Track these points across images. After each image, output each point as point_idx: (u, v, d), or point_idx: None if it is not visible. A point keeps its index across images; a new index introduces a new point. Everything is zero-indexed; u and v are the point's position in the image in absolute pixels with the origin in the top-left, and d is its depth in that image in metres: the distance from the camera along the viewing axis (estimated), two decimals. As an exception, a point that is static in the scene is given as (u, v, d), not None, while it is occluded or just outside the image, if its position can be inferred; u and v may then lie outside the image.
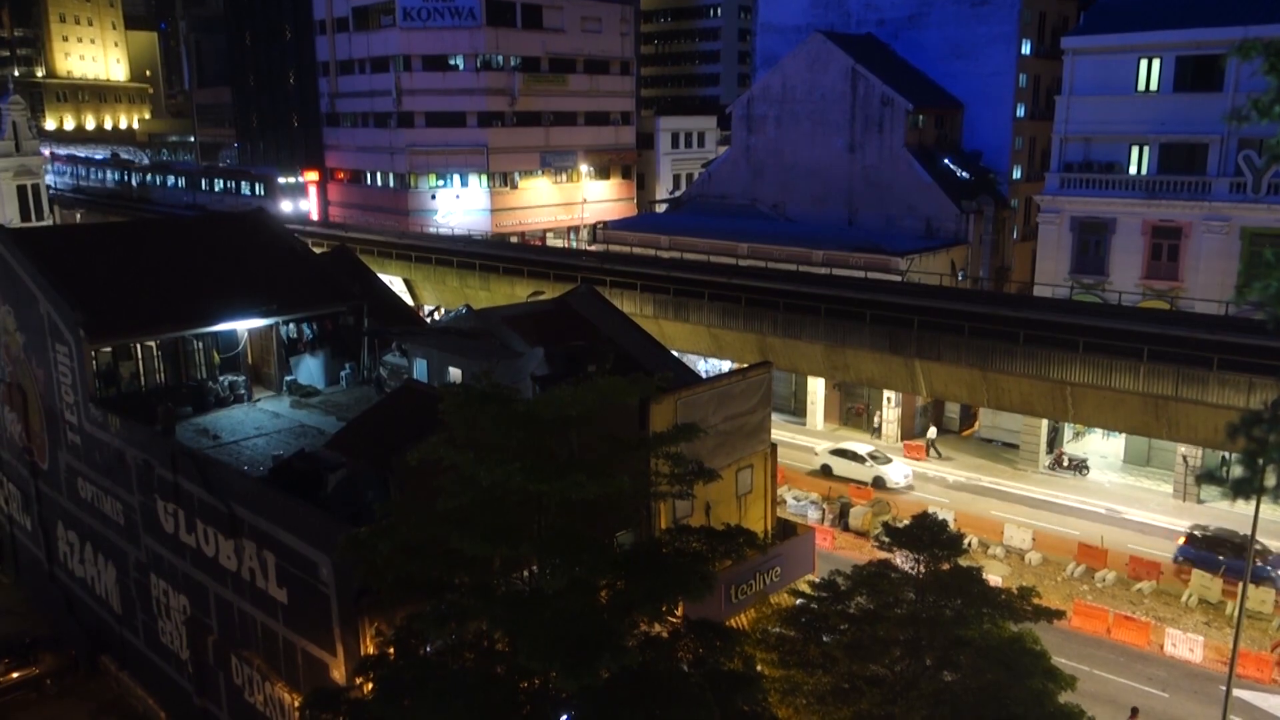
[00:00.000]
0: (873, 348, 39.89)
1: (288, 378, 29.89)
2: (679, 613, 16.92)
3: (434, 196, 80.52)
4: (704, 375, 33.82)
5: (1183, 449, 39.27)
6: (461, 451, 14.74)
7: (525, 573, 15.71)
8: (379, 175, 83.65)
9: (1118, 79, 46.18)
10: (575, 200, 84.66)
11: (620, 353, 25.50)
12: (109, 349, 27.56)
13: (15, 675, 29.02)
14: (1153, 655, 29.77)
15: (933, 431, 47.76)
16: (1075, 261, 47.55)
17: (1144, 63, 45.57)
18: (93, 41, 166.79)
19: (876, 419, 48.67)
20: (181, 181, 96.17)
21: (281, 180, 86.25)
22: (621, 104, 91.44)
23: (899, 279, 48.16)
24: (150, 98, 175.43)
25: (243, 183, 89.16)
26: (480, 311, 30.19)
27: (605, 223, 72.86)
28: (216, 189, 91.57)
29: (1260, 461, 8.46)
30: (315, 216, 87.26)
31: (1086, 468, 43.36)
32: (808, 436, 49.39)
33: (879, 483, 42.37)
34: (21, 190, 73.10)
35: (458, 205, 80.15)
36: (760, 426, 25.65)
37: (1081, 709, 17.71)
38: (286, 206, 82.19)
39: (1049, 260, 48.53)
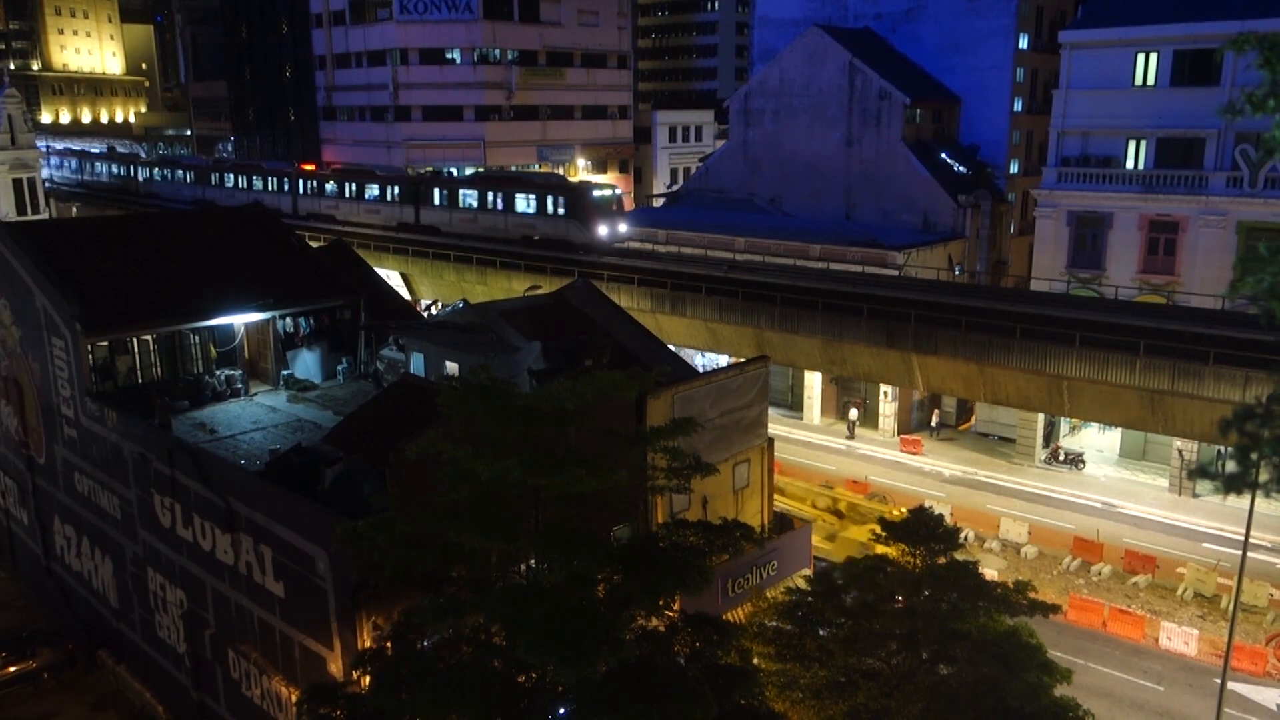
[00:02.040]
0: (870, 342, 39.91)
1: (284, 372, 29.89)
2: (676, 607, 16.96)
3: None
4: (701, 370, 33.84)
5: (1179, 443, 39.34)
6: (459, 446, 14.75)
7: (523, 566, 15.74)
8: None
9: (1115, 73, 46.16)
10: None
11: (617, 347, 25.53)
12: (105, 343, 27.55)
13: (13, 669, 29.03)
14: (1148, 649, 29.87)
15: (854, 413, 48.65)
16: (1072, 256, 47.57)
17: (1141, 57, 45.56)
18: (88, 34, 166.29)
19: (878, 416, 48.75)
20: (393, 192, 65.75)
21: (597, 194, 56.04)
22: (619, 98, 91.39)
23: (896, 273, 48.18)
24: (146, 91, 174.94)
25: (522, 196, 57.29)
26: (477, 306, 30.21)
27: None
28: (465, 204, 60.79)
29: (1254, 456, 8.47)
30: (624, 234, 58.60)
31: (1082, 462, 43.44)
32: (805, 431, 49.45)
33: None
34: (17, 183, 72.96)
35: (455, 199, 79.63)
36: (757, 421, 25.70)
37: (1077, 702, 17.79)
38: (601, 230, 54.89)
39: (1046, 254, 48.54)
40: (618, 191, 58.73)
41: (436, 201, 62.62)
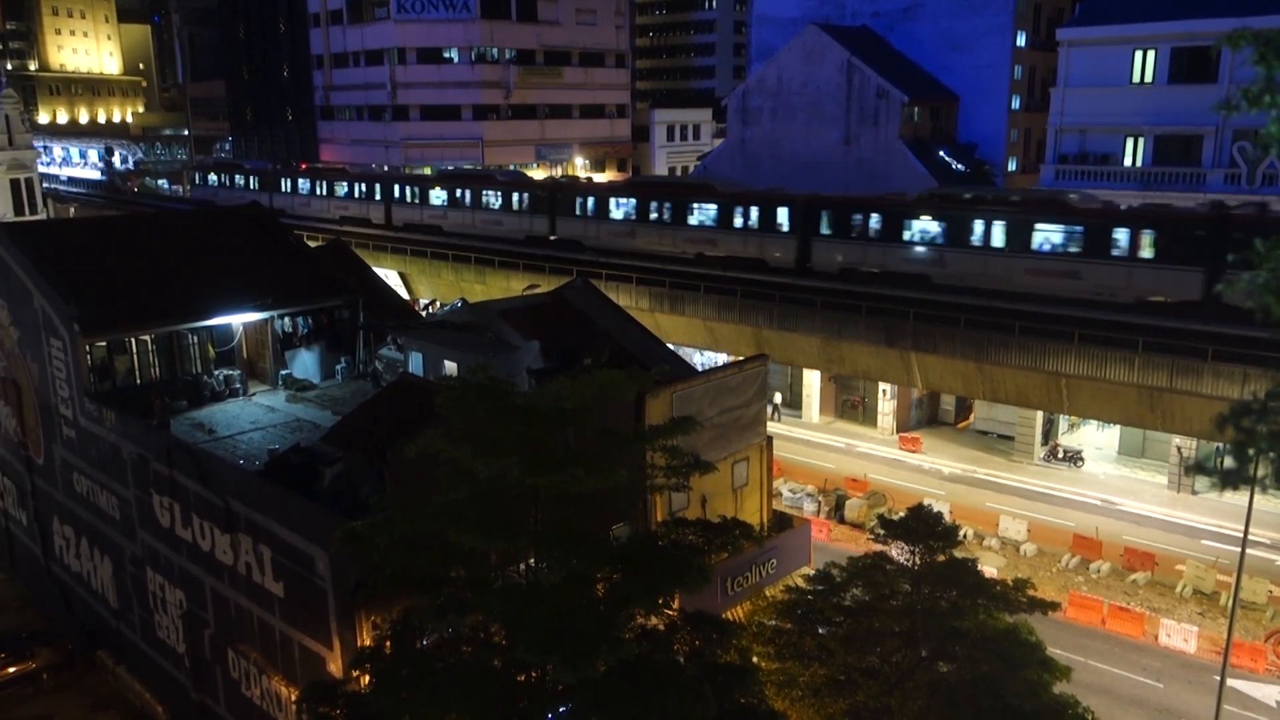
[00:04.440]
0: (868, 340, 39.88)
1: (283, 372, 29.87)
2: (675, 605, 16.97)
3: (429, 190, 79.59)
4: (700, 368, 33.83)
5: (1177, 440, 39.34)
6: (458, 445, 14.74)
7: (522, 566, 15.74)
8: (374, 168, 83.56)
9: (1113, 71, 46.18)
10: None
11: (616, 346, 25.52)
12: (103, 343, 27.49)
13: (12, 670, 29.01)
14: (1147, 646, 29.89)
15: (778, 397, 49.82)
16: (1070, 253, 47.48)
17: (1139, 54, 45.58)
18: (85, 35, 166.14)
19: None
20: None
21: None
22: (617, 97, 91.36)
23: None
24: (144, 91, 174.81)
25: None
26: (476, 305, 30.19)
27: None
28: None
29: (1251, 452, 8.50)
30: None
31: (1081, 459, 43.44)
32: (804, 429, 49.44)
33: None
34: (15, 184, 72.82)
35: (453, 198, 79.26)
36: (756, 419, 25.69)
37: (1076, 699, 17.80)
38: None
39: (1044, 252, 48.44)
40: None
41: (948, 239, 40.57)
